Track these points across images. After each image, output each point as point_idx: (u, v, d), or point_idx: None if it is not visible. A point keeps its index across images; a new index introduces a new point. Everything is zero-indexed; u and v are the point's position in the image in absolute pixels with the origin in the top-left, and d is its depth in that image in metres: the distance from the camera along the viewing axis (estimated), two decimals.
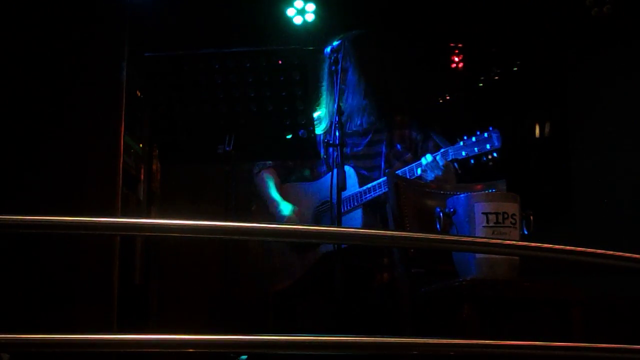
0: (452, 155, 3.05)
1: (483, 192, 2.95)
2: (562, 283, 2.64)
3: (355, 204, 3.15)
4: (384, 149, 3.28)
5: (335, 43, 2.98)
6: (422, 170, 3.07)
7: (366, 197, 3.13)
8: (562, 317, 2.61)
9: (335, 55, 2.95)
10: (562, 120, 5.43)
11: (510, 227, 2.57)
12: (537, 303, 2.72)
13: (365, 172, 3.22)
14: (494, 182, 3.06)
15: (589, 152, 5.22)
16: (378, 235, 1.89)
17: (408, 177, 3.10)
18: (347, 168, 3.23)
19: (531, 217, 2.64)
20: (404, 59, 4.93)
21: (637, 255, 1.87)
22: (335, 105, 2.90)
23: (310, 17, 4.69)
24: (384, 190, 3.10)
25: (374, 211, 3.19)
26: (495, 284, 2.55)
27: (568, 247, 1.81)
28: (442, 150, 3.08)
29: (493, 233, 2.57)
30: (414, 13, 4.98)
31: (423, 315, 2.75)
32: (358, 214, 3.14)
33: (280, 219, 3.24)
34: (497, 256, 2.56)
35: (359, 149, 3.31)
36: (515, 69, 5.39)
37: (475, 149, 3.01)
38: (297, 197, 3.36)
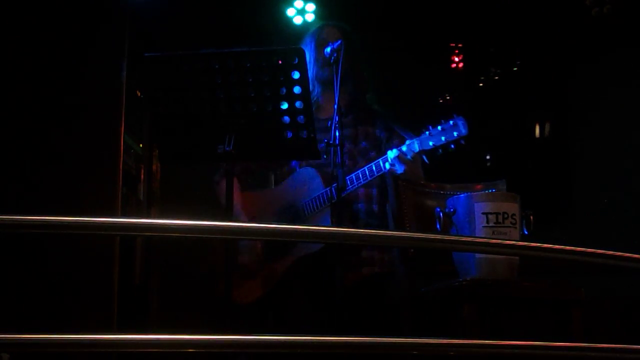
0: (419, 147, 2.95)
1: (483, 192, 2.94)
2: (562, 283, 2.64)
3: (323, 204, 3.11)
4: (348, 145, 3.24)
5: (335, 43, 2.97)
6: (390, 165, 2.98)
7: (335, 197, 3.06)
8: (562, 317, 2.61)
9: (335, 55, 2.94)
10: (562, 120, 5.43)
11: (510, 227, 2.57)
12: (537, 303, 2.72)
13: (329, 170, 3.15)
14: (494, 182, 3.06)
15: (589, 152, 5.22)
16: (378, 236, 1.89)
17: (375, 173, 3.02)
18: (309, 169, 3.20)
19: (531, 217, 2.64)
20: (400, 59, 4.94)
21: (637, 255, 1.87)
22: (336, 105, 2.89)
23: (310, 17, 4.70)
24: (352, 188, 3.04)
25: (341, 210, 3.06)
26: (495, 284, 2.55)
27: (568, 247, 1.81)
28: (407, 142, 2.98)
29: (493, 233, 2.57)
30: (414, 13, 4.99)
31: (423, 315, 2.75)
32: (326, 216, 3.07)
33: None
34: (497, 256, 2.56)
35: (322, 145, 3.21)
36: (515, 69, 5.40)
37: (442, 137, 2.91)
38: (254, 205, 3.31)
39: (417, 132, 2.99)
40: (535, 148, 5.49)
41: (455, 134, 2.88)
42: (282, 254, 3.15)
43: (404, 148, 2.97)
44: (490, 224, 2.57)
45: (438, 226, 2.68)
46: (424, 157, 2.97)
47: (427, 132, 2.94)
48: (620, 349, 1.81)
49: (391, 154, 2.99)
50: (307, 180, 3.03)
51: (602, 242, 1.95)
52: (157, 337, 1.59)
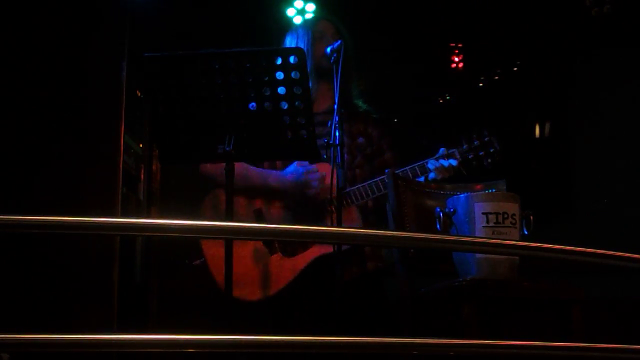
0: (459, 157, 3.15)
1: (483, 192, 2.95)
2: (562, 283, 2.64)
3: (355, 202, 3.15)
4: (345, 140, 3.27)
5: (335, 43, 2.98)
6: (435, 169, 3.12)
7: (363, 198, 3.12)
8: (562, 317, 2.61)
9: (335, 55, 2.95)
10: (562, 120, 5.43)
11: (510, 227, 2.57)
12: (537, 303, 2.72)
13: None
14: (494, 182, 3.06)
15: (589, 152, 5.22)
16: (378, 235, 1.89)
17: (419, 173, 3.16)
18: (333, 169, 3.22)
19: (531, 217, 2.64)
20: (400, 59, 4.94)
21: (637, 255, 1.86)
22: (336, 106, 2.89)
23: (310, 17, 4.69)
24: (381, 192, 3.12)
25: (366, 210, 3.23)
26: (495, 284, 2.55)
27: (568, 247, 1.80)
28: (446, 151, 3.15)
29: (493, 233, 2.57)
30: (414, 13, 4.99)
31: (423, 315, 2.75)
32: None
33: (291, 182, 3.19)
34: (497, 256, 2.56)
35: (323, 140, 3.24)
36: (515, 69, 5.40)
37: (481, 152, 3.14)
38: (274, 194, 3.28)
39: (452, 144, 3.20)
40: (535, 148, 5.49)
41: (491, 149, 3.14)
42: (299, 249, 3.15)
43: (451, 162, 3.14)
44: (490, 224, 2.57)
45: (438, 226, 2.68)
46: (461, 169, 3.17)
47: (464, 145, 3.17)
48: (620, 349, 1.81)
49: (433, 165, 3.14)
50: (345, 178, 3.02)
51: (602, 242, 1.95)
52: (157, 337, 1.59)
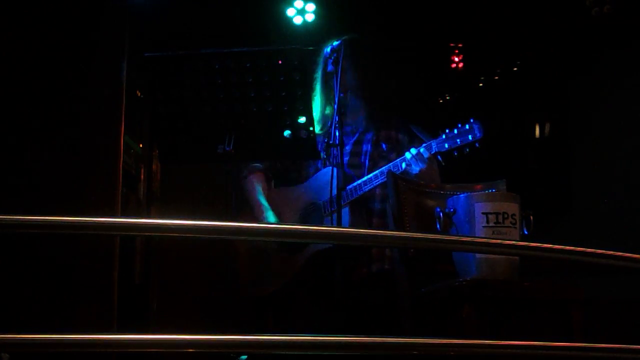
0: (435, 148, 3.08)
1: (483, 192, 2.95)
2: (562, 283, 2.64)
3: (342, 202, 3.16)
4: (369, 148, 3.30)
5: (335, 43, 2.98)
6: (407, 165, 3.09)
7: (353, 195, 3.15)
8: (562, 317, 2.61)
9: (335, 55, 2.95)
10: (562, 120, 5.43)
11: (510, 227, 2.57)
12: (537, 303, 2.72)
13: (350, 170, 3.24)
14: (494, 182, 3.06)
15: (589, 152, 5.22)
16: (378, 236, 1.89)
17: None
18: (329, 169, 3.24)
19: (531, 217, 2.64)
20: (400, 60, 4.95)
21: (637, 255, 1.87)
22: (336, 105, 2.90)
23: (310, 17, 4.69)
24: (369, 188, 3.14)
25: (359, 208, 3.23)
26: (495, 284, 2.55)
27: (568, 247, 1.81)
28: (425, 143, 3.10)
29: (493, 233, 2.57)
30: (414, 13, 4.98)
31: (423, 315, 2.75)
32: (345, 212, 3.15)
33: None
34: (497, 256, 2.56)
35: (347, 147, 3.31)
36: (515, 69, 5.39)
37: (458, 140, 3.04)
38: (283, 202, 3.35)
39: (434, 135, 3.12)
40: (535, 148, 5.48)
41: (470, 137, 3.01)
42: (300, 248, 3.17)
43: (421, 149, 3.08)
44: (490, 224, 2.57)
45: (438, 226, 2.68)
46: (439, 157, 3.09)
47: (443, 135, 3.08)
48: (620, 349, 1.81)
49: (409, 154, 3.09)
50: (329, 179, 3.05)
51: (602, 242, 1.95)
52: (157, 337, 1.59)
